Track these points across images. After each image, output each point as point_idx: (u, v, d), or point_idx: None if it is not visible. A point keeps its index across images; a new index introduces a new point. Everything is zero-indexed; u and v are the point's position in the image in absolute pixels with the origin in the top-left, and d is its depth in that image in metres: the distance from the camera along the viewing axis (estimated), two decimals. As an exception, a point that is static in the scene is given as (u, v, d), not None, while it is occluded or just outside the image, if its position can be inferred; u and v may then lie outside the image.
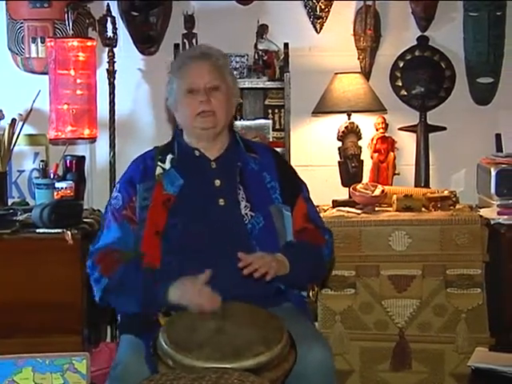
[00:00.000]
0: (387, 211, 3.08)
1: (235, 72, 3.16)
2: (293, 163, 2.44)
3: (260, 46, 3.24)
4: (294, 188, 2.29)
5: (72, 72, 3.06)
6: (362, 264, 2.98)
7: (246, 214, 2.17)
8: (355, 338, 2.99)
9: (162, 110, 3.28)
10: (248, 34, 3.28)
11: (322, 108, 3.27)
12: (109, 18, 3.20)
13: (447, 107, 3.42)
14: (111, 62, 3.23)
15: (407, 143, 3.42)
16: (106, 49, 3.25)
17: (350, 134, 3.28)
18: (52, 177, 3.09)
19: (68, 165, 3.14)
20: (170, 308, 2.02)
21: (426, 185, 3.31)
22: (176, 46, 3.21)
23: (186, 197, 2.17)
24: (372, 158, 3.33)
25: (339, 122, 3.31)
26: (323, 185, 3.35)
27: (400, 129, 3.42)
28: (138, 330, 2.02)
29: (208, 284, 1.99)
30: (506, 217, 2.96)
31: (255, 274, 1.99)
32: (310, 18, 3.38)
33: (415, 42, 3.41)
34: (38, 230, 2.82)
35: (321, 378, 1.94)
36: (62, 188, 2.99)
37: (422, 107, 3.37)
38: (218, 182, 2.20)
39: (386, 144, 3.32)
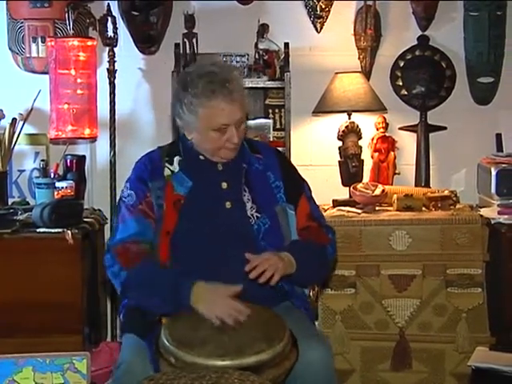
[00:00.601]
0: (387, 211, 3.08)
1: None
2: (293, 163, 2.43)
3: (260, 46, 3.24)
4: (297, 187, 2.29)
5: (72, 72, 3.06)
6: (363, 264, 2.98)
7: (252, 215, 2.17)
8: (355, 337, 2.99)
9: (163, 109, 3.28)
10: (248, 33, 3.28)
11: (323, 107, 3.27)
12: (109, 18, 3.21)
13: (447, 107, 3.42)
14: (111, 61, 3.23)
15: (407, 143, 3.42)
16: (107, 48, 3.25)
17: (351, 133, 3.28)
18: (52, 176, 3.10)
19: (68, 164, 3.14)
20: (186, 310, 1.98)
21: (427, 184, 3.31)
22: (176, 45, 3.21)
23: (195, 198, 2.16)
24: (372, 157, 3.33)
25: (340, 121, 3.31)
26: (324, 184, 3.35)
27: (400, 128, 3.42)
28: (141, 330, 2.02)
29: (236, 298, 1.96)
30: (506, 216, 2.96)
31: (260, 279, 1.98)
32: (310, 17, 3.38)
33: (416, 42, 3.41)
34: (38, 230, 2.82)
35: (321, 377, 1.94)
36: (62, 187, 2.99)
37: (422, 107, 3.37)
38: (224, 185, 2.20)
39: (386, 144, 3.32)
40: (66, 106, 3.06)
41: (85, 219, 2.98)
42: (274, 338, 1.82)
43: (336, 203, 3.18)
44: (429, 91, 3.37)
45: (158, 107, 3.39)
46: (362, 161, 3.29)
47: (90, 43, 3.12)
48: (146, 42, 3.31)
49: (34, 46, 3.22)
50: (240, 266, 2.00)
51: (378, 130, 3.34)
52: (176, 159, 2.22)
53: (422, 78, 3.37)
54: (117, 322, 3.25)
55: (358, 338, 2.99)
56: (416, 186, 3.31)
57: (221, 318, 1.90)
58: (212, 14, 3.35)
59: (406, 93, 3.41)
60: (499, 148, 3.35)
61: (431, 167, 3.34)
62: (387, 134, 3.34)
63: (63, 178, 3.07)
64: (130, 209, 2.15)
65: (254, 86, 3.20)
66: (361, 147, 3.29)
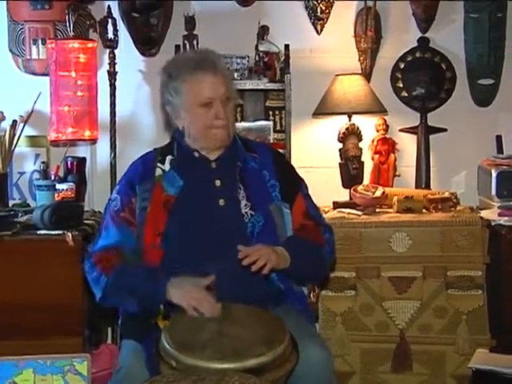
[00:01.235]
0: (388, 213, 3.08)
1: (236, 74, 3.17)
2: (293, 165, 2.44)
3: (261, 48, 3.24)
4: (293, 185, 2.29)
5: (73, 73, 3.06)
6: (363, 265, 2.98)
7: (246, 212, 2.17)
8: (356, 339, 2.99)
9: (163, 111, 3.28)
10: (249, 35, 3.28)
11: (323, 109, 3.27)
12: (109, 20, 3.21)
13: (448, 109, 3.42)
14: (112, 63, 3.23)
15: (408, 145, 3.42)
16: (107, 50, 3.25)
17: (351, 135, 3.27)
18: (53, 178, 3.10)
19: (69, 166, 3.14)
20: (168, 306, 2.01)
21: (427, 186, 3.31)
22: (177, 47, 3.22)
23: (187, 198, 2.17)
24: (373, 159, 3.33)
25: (340, 123, 3.31)
26: (324, 186, 3.35)
27: (401, 130, 3.42)
28: (139, 335, 2.02)
29: (209, 289, 1.99)
30: (506, 218, 2.97)
31: (253, 266, 1.99)
32: (310, 19, 3.38)
33: (416, 44, 3.41)
34: (38, 232, 2.82)
35: (321, 379, 1.94)
36: (62, 189, 3.00)
37: (422, 109, 3.37)
38: (218, 183, 2.21)
39: (386, 145, 3.32)
40: (66, 108, 3.06)
41: (85, 221, 2.97)
42: (275, 341, 1.82)
43: (336, 205, 3.18)
44: (429, 93, 3.37)
45: (158, 109, 3.37)
46: (363, 163, 3.28)
47: (90, 45, 3.12)
48: (147, 43, 3.31)
49: (34, 47, 3.22)
50: (233, 264, 2.01)
51: (378, 131, 3.34)
52: (168, 158, 2.24)
53: (423, 80, 3.37)
54: (117, 324, 3.24)
55: (359, 339, 2.99)
56: (416, 187, 3.31)
57: (193, 305, 1.94)
58: (212, 16, 3.35)
59: (406, 95, 3.41)
60: (499, 150, 3.35)
61: (431, 169, 3.34)
62: (387, 136, 3.34)
63: (63, 180, 3.07)
64: (114, 216, 2.18)
65: (254, 87, 3.20)
66: (361, 149, 3.29)
